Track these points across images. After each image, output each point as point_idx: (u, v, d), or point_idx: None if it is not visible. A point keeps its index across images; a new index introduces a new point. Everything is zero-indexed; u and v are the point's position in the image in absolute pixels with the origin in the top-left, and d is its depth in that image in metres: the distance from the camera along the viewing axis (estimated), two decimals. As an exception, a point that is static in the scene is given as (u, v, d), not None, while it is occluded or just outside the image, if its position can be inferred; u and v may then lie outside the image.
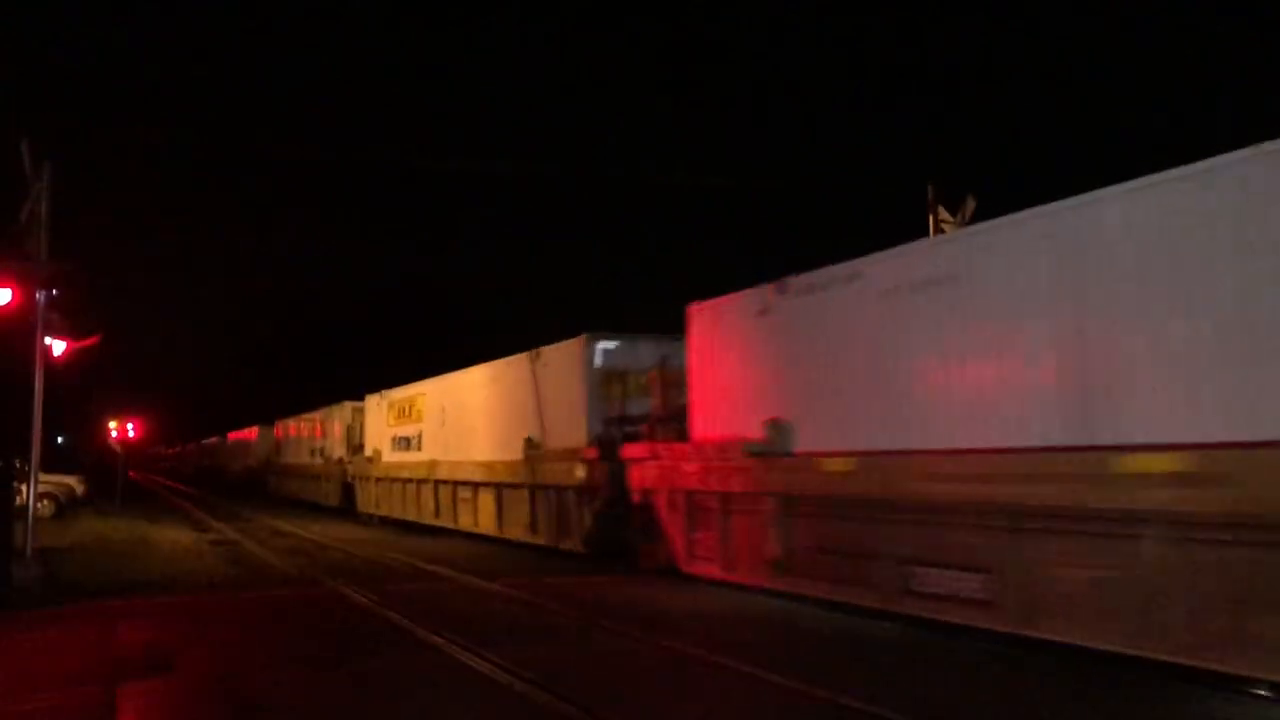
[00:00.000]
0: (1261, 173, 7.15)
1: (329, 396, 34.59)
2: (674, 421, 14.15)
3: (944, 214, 17.69)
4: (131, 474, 55.15)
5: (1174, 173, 7.77)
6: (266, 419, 47.82)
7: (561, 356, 17.31)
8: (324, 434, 34.21)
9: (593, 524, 15.84)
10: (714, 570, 12.83)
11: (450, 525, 22.03)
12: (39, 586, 13.32)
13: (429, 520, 23.34)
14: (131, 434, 39.37)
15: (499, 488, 19.42)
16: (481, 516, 20.38)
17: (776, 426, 11.58)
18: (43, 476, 16.57)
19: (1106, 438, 7.98)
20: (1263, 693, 7.13)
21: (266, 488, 43.99)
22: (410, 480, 24.63)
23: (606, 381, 16.32)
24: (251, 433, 52.32)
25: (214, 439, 71.41)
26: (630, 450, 14.83)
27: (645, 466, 14.32)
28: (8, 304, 13.62)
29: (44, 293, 14.17)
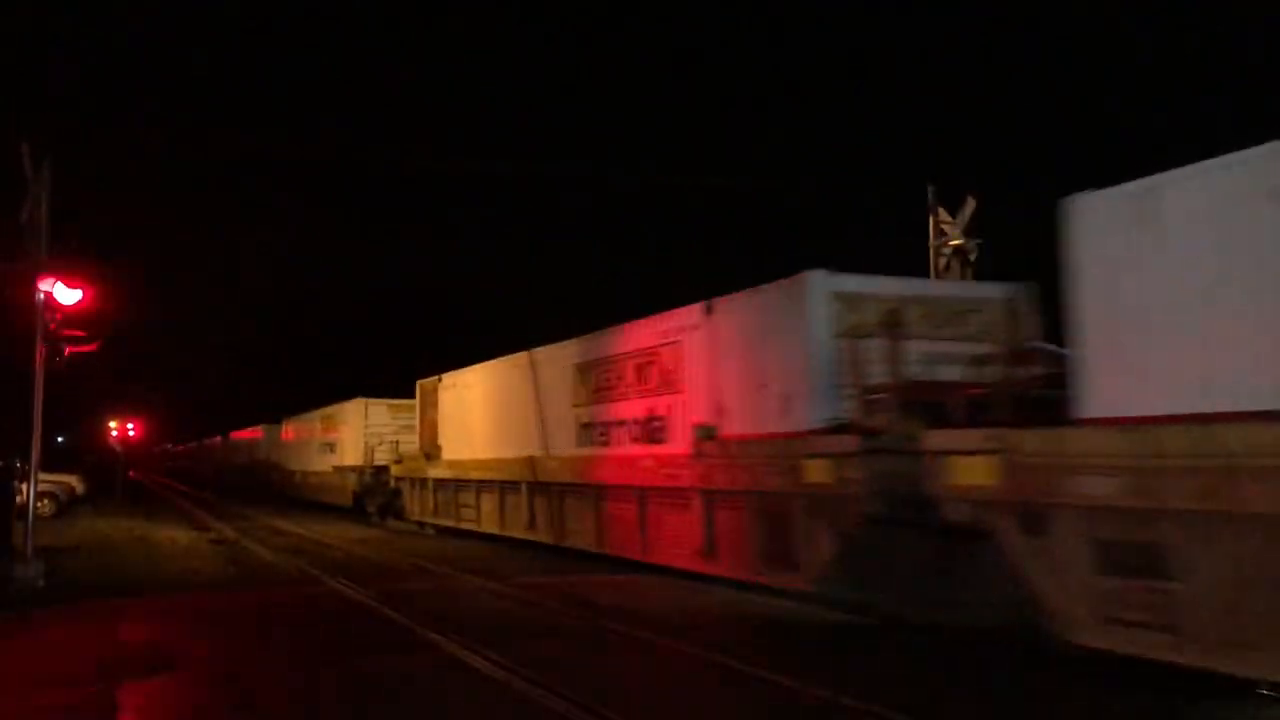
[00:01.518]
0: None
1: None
2: None
3: (944, 215, 17.70)
4: (132, 474, 54.98)
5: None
6: (373, 389, 31.15)
7: None
8: (650, 377, 14.78)
9: None
10: None
11: None
12: (39, 585, 13.34)
13: None
14: (132, 433, 39.35)
15: None
16: None
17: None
18: (43, 476, 16.58)
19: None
20: (1264, 691, 7.14)
21: (391, 508, 26.92)
22: None
23: None
24: (336, 419, 33.07)
25: (251, 432, 52.48)
26: None
27: None
28: (8, 304, 13.65)
29: (43, 293, 14.18)
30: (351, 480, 29.85)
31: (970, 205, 17.29)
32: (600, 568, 15.29)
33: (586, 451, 16.32)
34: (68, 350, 14.85)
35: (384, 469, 27.56)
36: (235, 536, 22.95)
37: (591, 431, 16.20)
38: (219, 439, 65.25)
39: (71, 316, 14.70)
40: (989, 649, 8.92)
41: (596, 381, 16.06)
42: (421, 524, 24.32)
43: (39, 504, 16.00)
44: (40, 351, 14.15)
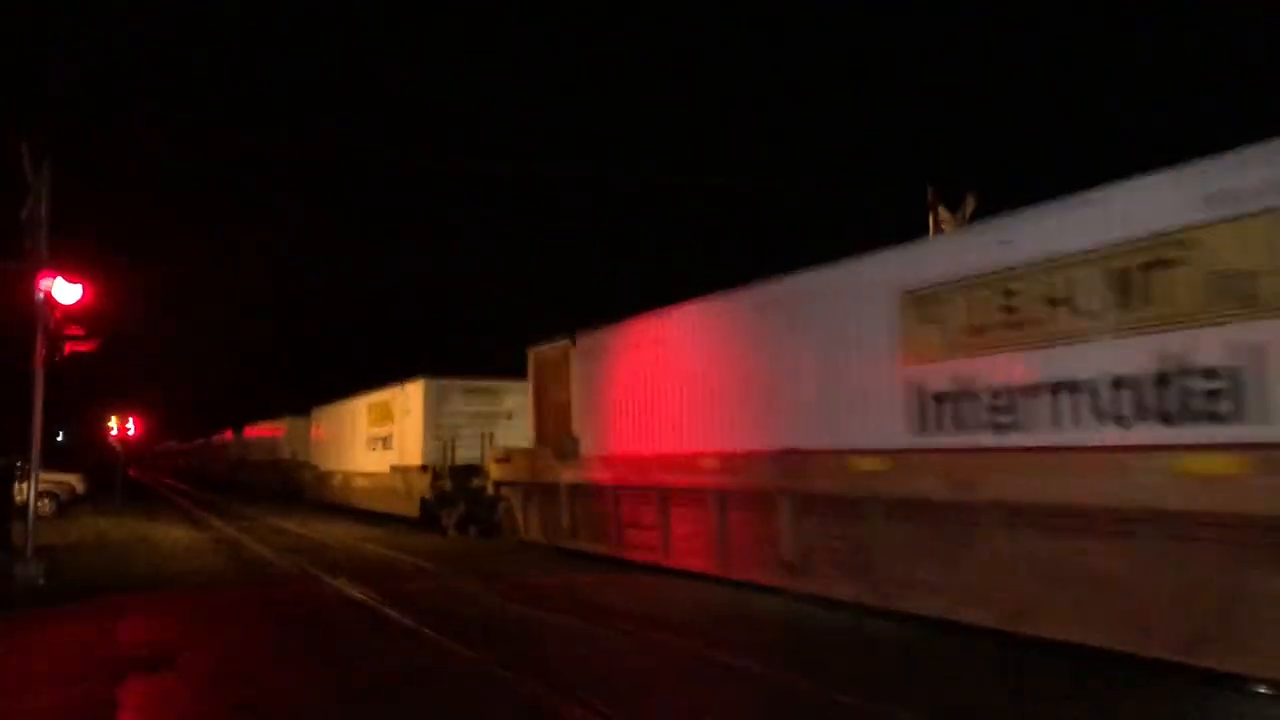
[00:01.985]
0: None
1: None
2: None
3: (944, 214, 17.71)
4: (132, 473, 54.82)
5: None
6: (378, 386, 27.73)
7: None
8: (1165, 292, 7.77)
9: None
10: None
11: None
12: (39, 584, 13.35)
13: None
14: (131, 431, 39.30)
15: None
16: None
17: None
18: (43, 475, 16.59)
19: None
20: (1262, 690, 7.14)
21: (479, 521, 21.44)
22: None
23: None
24: (392, 407, 26.48)
25: (270, 428, 44.69)
26: None
27: None
28: (8, 304, 13.68)
29: (43, 293, 14.19)
30: (419, 484, 23.27)
31: (970, 204, 17.30)
32: (600, 567, 15.29)
33: (946, 441, 9.55)
34: (67, 348, 14.86)
35: (471, 470, 21.83)
36: (236, 535, 22.95)
37: (957, 408, 9.46)
38: (230, 435, 59.07)
39: (71, 314, 14.70)
40: (988, 646, 8.93)
41: (976, 316, 9.30)
42: (542, 545, 17.74)
43: (39, 503, 16.01)
44: (40, 350, 14.16)
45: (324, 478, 33.53)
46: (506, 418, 22.96)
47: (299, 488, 36.87)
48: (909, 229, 18.03)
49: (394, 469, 25.67)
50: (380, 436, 27.34)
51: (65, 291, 14.33)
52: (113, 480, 35.30)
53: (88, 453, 49.32)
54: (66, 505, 27.82)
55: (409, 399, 24.93)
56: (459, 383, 23.81)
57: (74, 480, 29.32)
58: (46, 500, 24.75)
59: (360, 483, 29.03)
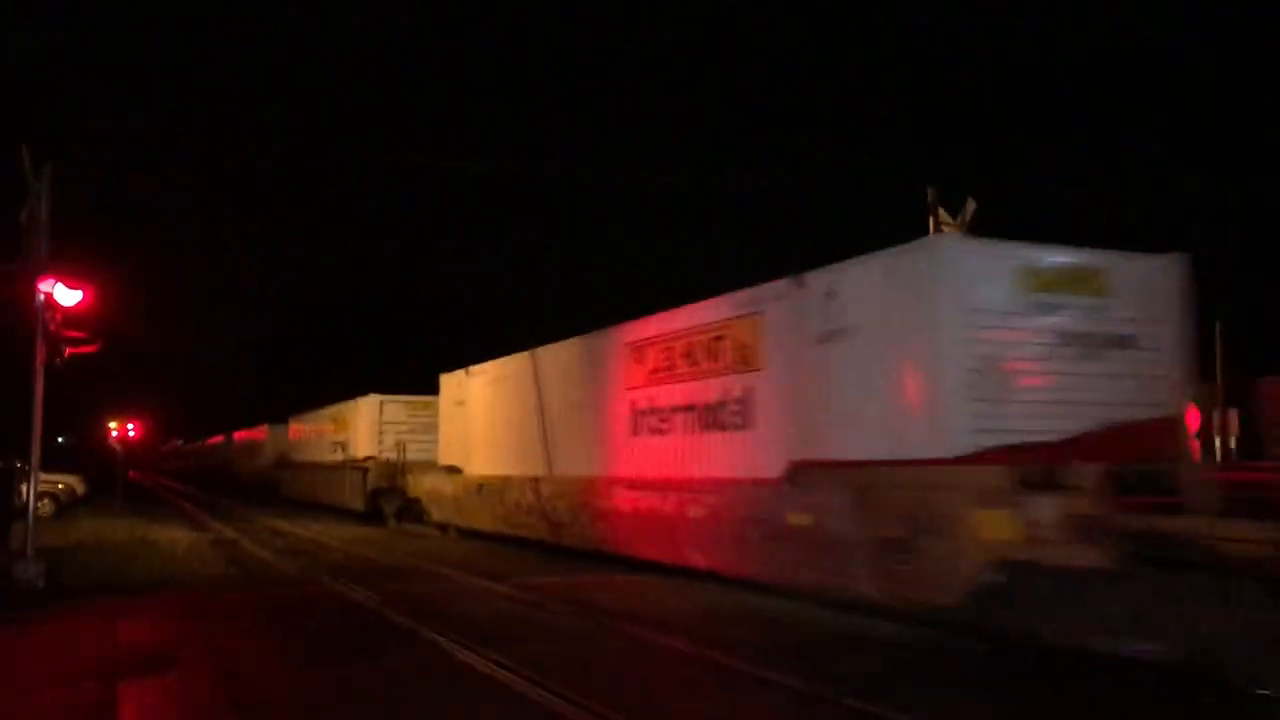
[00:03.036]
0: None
1: None
2: None
3: (944, 215, 17.70)
4: (132, 475, 54.69)
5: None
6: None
7: None
8: None
9: None
10: None
11: None
12: (39, 586, 13.33)
13: None
14: (132, 433, 39.22)
15: None
16: None
17: None
18: (43, 476, 16.58)
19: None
20: (1264, 692, 7.12)
21: None
22: None
23: None
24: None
25: (333, 417, 32.35)
26: None
27: None
28: (8, 304, 13.68)
29: (43, 293, 14.18)
30: (980, 526, 8.47)
31: (970, 205, 17.30)
32: (600, 568, 15.27)
33: None
34: (67, 350, 14.84)
35: None
36: (235, 536, 22.91)
37: None
38: (264, 432, 46.21)
39: (71, 317, 14.69)
40: (985, 648, 8.92)
41: None
42: None
43: (39, 504, 16.01)
44: (40, 351, 14.15)
45: (488, 492, 19.72)
46: (1117, 346, 9.73)
47: (409, 504, 25.40)
48: (909, 229, 18.06)
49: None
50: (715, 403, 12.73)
51: (66, 294, 14.31)
52: (113, 482, 35.26)
53: (88, 455, 49.18)
54: (66, 506, 27.81)
55: (859, 288, 10.51)
56: (1009, 252, 9.65)
57: (74, 482, 29.32)
58: (46, 501, 24.73)
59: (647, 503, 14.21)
